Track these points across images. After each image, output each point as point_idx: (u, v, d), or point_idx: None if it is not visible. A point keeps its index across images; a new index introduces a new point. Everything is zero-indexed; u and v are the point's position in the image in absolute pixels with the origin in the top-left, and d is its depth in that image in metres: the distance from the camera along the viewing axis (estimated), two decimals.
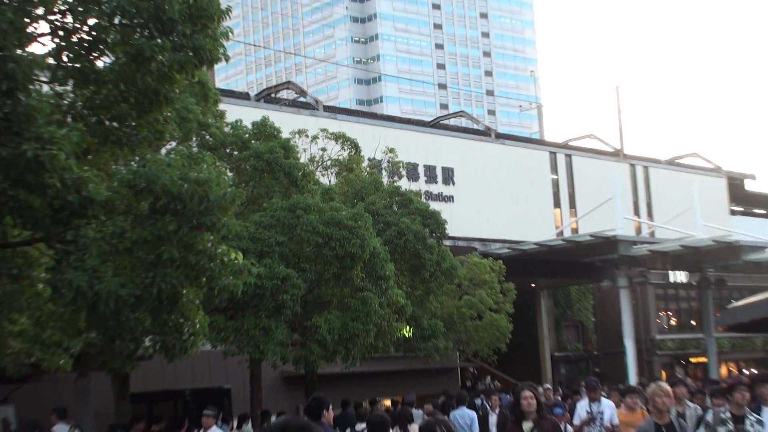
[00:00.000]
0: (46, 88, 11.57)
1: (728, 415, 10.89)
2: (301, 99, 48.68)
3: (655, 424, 11.19)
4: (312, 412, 13.04)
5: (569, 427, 17.79)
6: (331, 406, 13.58)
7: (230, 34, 12.84)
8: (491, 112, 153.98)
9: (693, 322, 56.72)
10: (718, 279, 51.68)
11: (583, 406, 15.98)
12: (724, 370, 51.39)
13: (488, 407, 23.05)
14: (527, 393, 11.74)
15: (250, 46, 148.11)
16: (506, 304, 36.23)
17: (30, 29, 10.96)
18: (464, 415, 20.24)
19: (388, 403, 35.30)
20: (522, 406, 11.73)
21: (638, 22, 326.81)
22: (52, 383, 25.46)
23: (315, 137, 31.88)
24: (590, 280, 50.02)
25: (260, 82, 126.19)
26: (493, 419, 20.60)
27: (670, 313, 58.87)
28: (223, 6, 12.26)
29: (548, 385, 25.69)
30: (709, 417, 11.39)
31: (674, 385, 16.45)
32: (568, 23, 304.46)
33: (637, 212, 57.62)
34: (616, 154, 59.86)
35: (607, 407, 15.66)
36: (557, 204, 56.17)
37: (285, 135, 26.74)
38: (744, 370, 52.05)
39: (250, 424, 23.76)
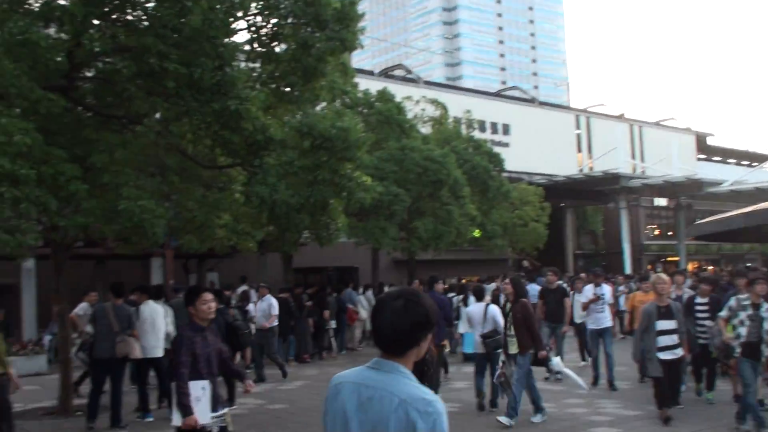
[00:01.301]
0: (243, 64, 11.63)
1: (748, 302, 10.23)
2: (409, 76, 48.38)
3: (657, 306, 10.58)
4: (429, 284, 13.31)
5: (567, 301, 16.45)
6: (441, 281, 13.80)
7: (364, 30, 12.76)
8: (536, 87, 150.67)
9: (669, 233, 55.56)
10: (687, 204, 50.77)
11: (589, 289, 14.92)
12: (690, 267, 50.43)
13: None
14: (506, 282, 11.48)
15: (375, 39, 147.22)
16: (543, 217, 36.02)
17: (233, 26, 11.01)
18: (533, 287, 20.11)
19: (464, 281, 35.42)
20: (503, 291, 11.60)
21: (649, 16, 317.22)
22: (242, 259, 25.95)
23: (417, 101, 31.72)
24: (600, 202, 49.31)
25: (381, 65, 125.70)
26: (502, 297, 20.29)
27: (654, 227, 57.82)
28: (359, 12, 12.12)
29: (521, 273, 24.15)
30: (733, 302, 10.39)
31: (675, 274, 15.66)
32: (592, 23, 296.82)
33: (633, 157, 56.55)
34: (620, 117, 58.89)
35: (606, 290, 14.97)
36: (579, 150, 55.52)
37: (398, 99, 26.57)
38: (703, 267, 51.10)
39: (370, 291, 24.00)
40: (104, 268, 24.68)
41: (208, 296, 6.35)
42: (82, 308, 14.34)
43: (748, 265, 54.24)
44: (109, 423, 11.30)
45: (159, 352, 12.01)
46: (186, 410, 6.05)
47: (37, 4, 9.46)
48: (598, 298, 14.42)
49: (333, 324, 20.70)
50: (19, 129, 8.35)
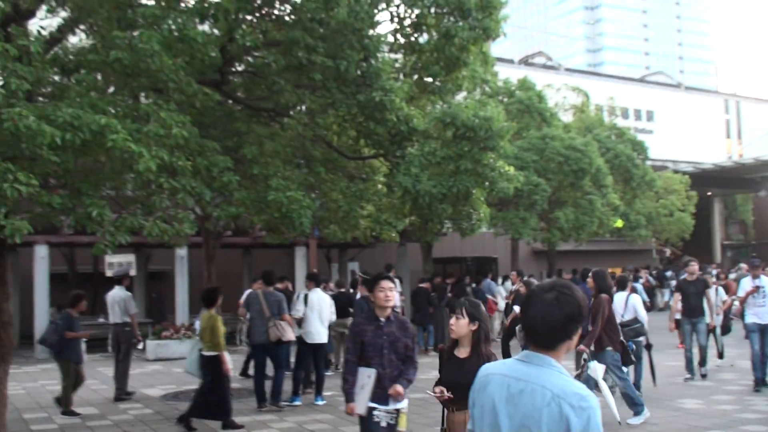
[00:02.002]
0: (386, 55, 11.74)
1: None
2: (549, 63, 47.69)
3: None
4: (583, 277, 13.25)
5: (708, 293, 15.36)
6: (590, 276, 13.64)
7: (507, 18, 12.61)
8: (681, 72, 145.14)
9: None
10: None
11: (747, 281, 13.65)
12: None
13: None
14: (589, 275, 11.19)
15: (515, 27, 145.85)
16: (689, 207, 35.16)
17: (377, 17, 11.14)
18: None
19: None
20: (588, 285, 11.33)
21: None
22: (382, 248, 26.27)
23: (558, 89, 31.32)
24: (751, 190, 47.19)
25: (521, 52, 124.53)
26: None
27: None
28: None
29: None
30: None
31: None
32: (740, 2, 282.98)
33: None
34: None
35: (767, 282, 13.41)
36: (728, 136, 53.39)
37: (538, 87, 26.28)
38: None
39: (509, 282, 23.81)
40: (250, 257, 25.56)
41: (387, 284, 6.25)
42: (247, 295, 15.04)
43: None
44: (255, 405, 11.81)
45: (323, 338, 12.56)
46: (347, 396, 6.19)
47: (192, 2, 9.86)
48: (756, 289, 13.25)
49: None
50: (177, 122, 8.71)
